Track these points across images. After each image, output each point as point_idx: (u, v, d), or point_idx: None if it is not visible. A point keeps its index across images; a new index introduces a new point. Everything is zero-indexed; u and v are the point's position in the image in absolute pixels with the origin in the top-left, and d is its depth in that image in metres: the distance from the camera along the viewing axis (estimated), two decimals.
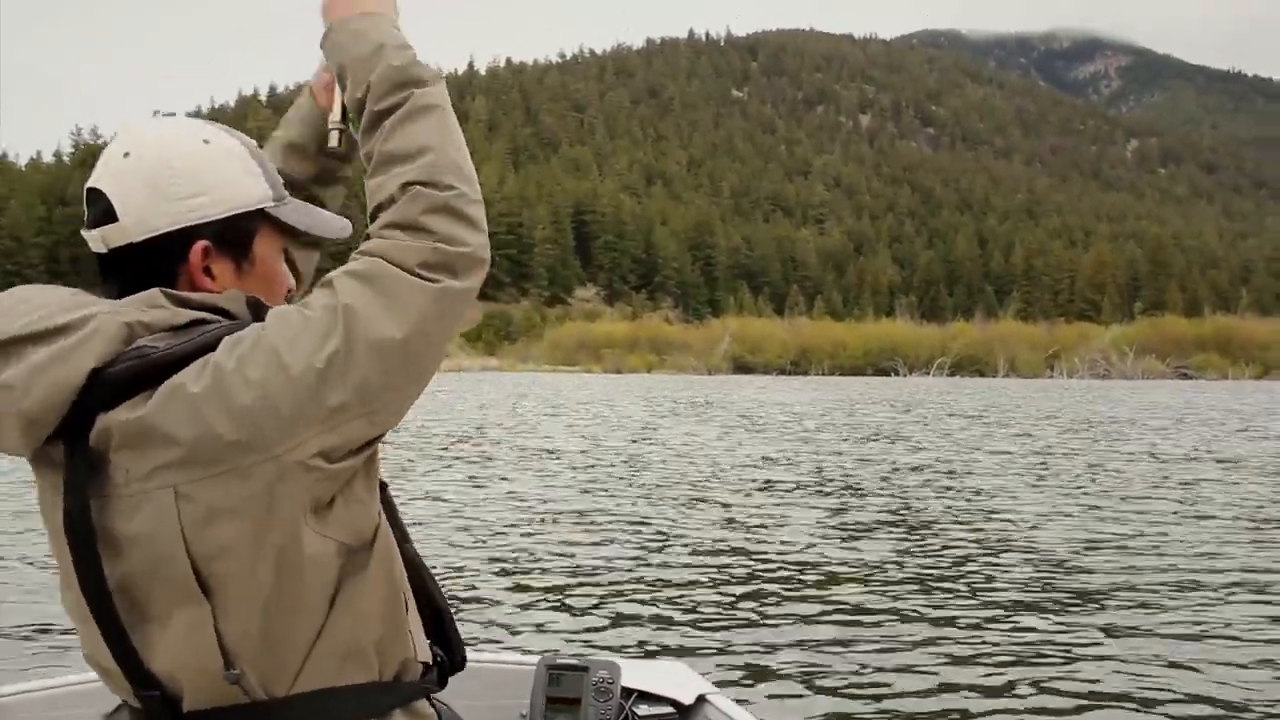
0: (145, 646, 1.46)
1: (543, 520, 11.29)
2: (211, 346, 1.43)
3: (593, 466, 17.29)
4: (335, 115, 1.83)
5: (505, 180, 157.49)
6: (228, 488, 1.39)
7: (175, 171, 1.53)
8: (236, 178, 1.58)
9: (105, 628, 1.45)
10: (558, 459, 18.46)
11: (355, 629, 1.52)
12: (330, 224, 1.71)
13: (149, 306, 1.46)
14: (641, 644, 6.62)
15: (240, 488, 1.39)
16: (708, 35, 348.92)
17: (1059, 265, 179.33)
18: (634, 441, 22.51)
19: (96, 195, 1.54)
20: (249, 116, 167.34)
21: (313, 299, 1.48)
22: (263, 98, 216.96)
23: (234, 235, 1.58)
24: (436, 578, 1.75)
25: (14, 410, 1.40)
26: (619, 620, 7.21)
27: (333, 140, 1.86)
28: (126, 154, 1.54)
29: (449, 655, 1.74)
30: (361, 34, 1.68)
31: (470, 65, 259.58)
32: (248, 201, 1.59)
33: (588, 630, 6.95)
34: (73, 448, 1.43)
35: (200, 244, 1.54)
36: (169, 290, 1.50)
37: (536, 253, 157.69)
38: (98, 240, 1.54)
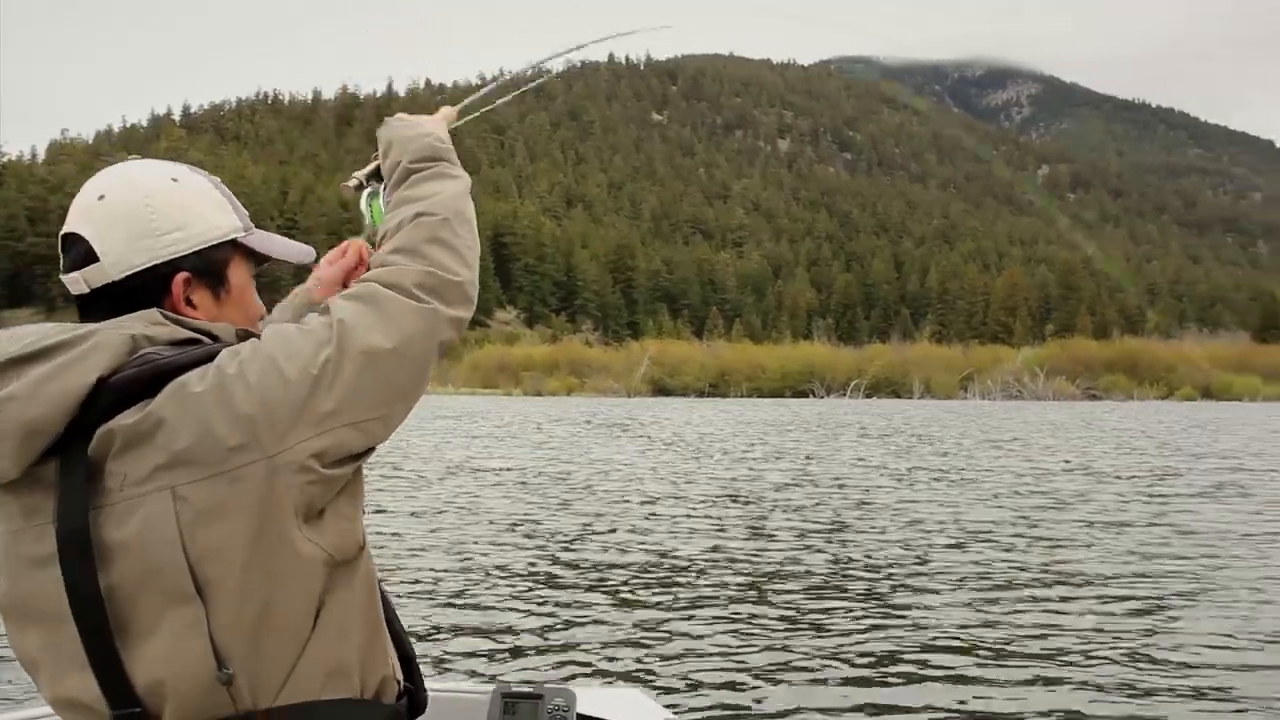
0: (132, 659, 1.46)
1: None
2: (212, 358, 1.50)
3: (535, 489, 17.21)
4: (361, 172, 2.02)
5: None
6: (225, 488, 1.43)
7: (152, 209, 1.60)
8: (208, 212, 1.66)
9: (92, 643, 1.46)
10: (497, 482, 18.33)
11: (339, 643, 1.55)
12: (294, 250, 1.81)
13: (150, 323, 1.53)
14: (597, 670, 6.63)
15: (237, 488, 1.43)
16: (628, 59, 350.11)
17: (973, 288, 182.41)
18: (574, 465, 22.43)
19: (74, 240, 1.60)
20: (162, 136, 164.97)
21: (308, 319, 1.59)
22: (176, 117, 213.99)
23: (210, 266, 1.65)
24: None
25: (17, 421, 1.44)
26: (574, 647, 7.20)
27: (351, 183, 2.02)
28: (101, 197, 1.61)
29: (412, 697, 1.76)
30: (417, 125, 1.95)
31: (389, 87, 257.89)
32: (220, 233, 1.67)
33: (542, 657, 6.93)
34: (67, 460, 1.46)
35: (181, 276, 1.61)
36: (165, 311, 1.57)
37: None
38: (79, 282, 1.59)
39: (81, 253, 1.59)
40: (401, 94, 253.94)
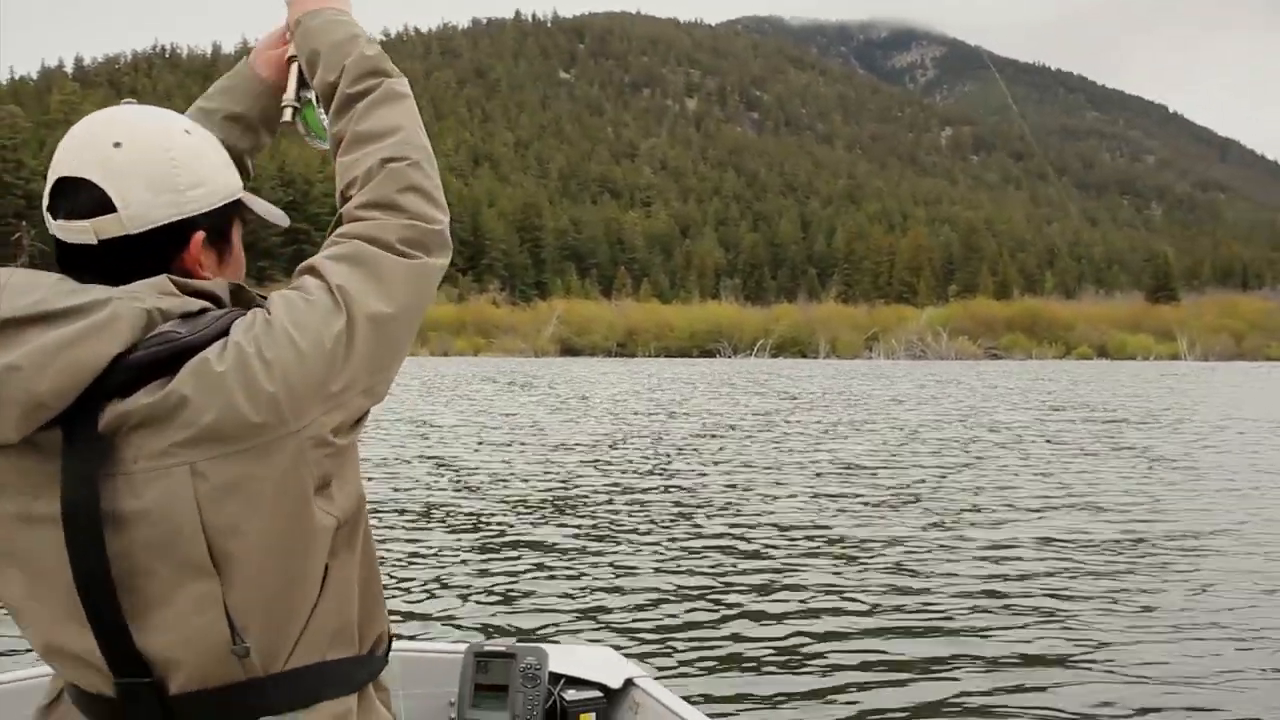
0: (140, 628, 1.43)
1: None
2: (226, 332, 1.44)
3: (492, 450, 16.99)
4: (290, 94, 1.89)
5: (329, 161, 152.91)
6: (247, 464, 1.40)
7: (174, 163, 1.52)
8: (222, 167, 1.61)
9: (97, 610, 1.42)
10: (453, 444, 18.05)
11: (343, 604, 1.55)
12: (275, 213, 1.74)
13: (162, 294, 1.45)
14: (568, 629, 6.65)
15: (260, 464, 1.41)
16: (534, 16, 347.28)
17: (878, 249, 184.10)
18: (527, 427, 22.12)
19: (80, 185, 1.49)
20: (54, 89, 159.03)
21: (306, 284, 1.52)
22: (68, 70, 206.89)
23: (221, 224, 1.60)
24: None
25: (21, 392, 1.36)
26: (545, 606, 7.21)
27: (286, 115, 1.90)
28: (118, 144, 1.50)
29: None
30: (337, 24, 1.80)
31: None
32: (232, 191, 1.61)
33: (514, 617, 6.93)
34: (72, 433, 1.40)
35: (200, 234, 1.54)
36: (174, 278, 1.48)
37: None
38: (86, 231, 1.48)
39: (92, 200, 1.48)
40: None
